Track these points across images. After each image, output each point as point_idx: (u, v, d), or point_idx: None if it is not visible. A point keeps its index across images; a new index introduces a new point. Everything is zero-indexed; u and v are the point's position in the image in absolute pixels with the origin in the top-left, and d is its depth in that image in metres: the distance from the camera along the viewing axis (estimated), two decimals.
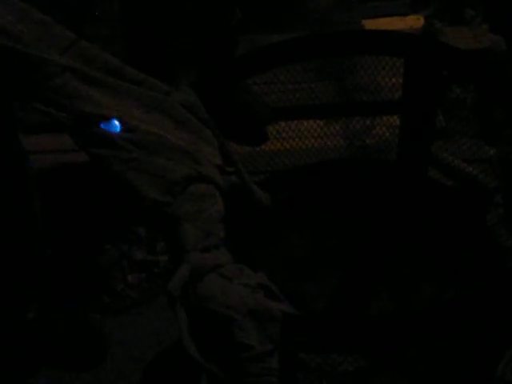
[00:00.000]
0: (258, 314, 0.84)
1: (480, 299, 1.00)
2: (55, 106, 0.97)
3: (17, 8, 1.01)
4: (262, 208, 1.19)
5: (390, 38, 1.28)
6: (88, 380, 1.38)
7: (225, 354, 0.85)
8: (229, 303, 0.83)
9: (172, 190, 0.97)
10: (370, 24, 2.16)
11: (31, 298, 1.35)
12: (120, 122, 1.01)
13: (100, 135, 0.97)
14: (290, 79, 1.56)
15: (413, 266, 1.38)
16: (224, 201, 1.04)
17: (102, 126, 0.99)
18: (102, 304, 1.52)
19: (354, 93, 1.70)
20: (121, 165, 0.97)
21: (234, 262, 0.95)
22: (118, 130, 1.00)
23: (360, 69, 1.50)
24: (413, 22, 2.12)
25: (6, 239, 1.25)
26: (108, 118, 1.00)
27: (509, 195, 1.39)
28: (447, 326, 0.97)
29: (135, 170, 0.98)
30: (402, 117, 1.41)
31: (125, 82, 1.03)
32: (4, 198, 1.22)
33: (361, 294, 1.36)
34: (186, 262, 0.88)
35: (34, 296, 1.35)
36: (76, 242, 1.59)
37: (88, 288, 1.54)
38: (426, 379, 1.13)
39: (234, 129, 1.46)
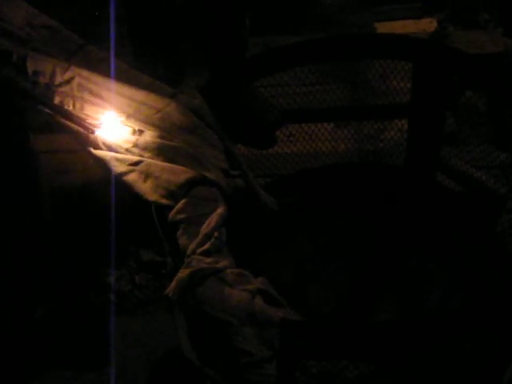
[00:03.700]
0: (257, 320, 0.83)
1: (488, 306, 0.99)
2: (60, 110, 0.97)
3: (26, 12, 1.02)
4: (268, 211, 1.19)
5: (399, 43, 1.27)
6: (93, 379, 1.39)
7: (223, 359, 0.85)
8: (227, 308, 0.83)
9: (175, 193, 0.97)
10: (382, 27, 2.15)
11: (38, 298, 1.36)
12: (124, 124, 1.01)
13: (103, 138, 0.98)
14: (299, 82, 1.55)
15: (420, 272, 1.37)
16: (228, 204, 1.03)
17: (105, 129, 1.00)
18: (109, 304, 1.53)
19: (364, 96, 1.69)
20: (124, 167, 0.98)
21: (236, 266, 0.95)
22: (122, 133, 1.01)
23: (370, 72, 1.49)
24: (426, 25, 2.10)
25: (15, 237, 1.26)
26: (112, 122, 1.01)
27: None
28: (452, 333, 0.96)
29: (138, 172, 0.98)
30: (409, 121, 1.40)
31: (130, 85, 1.04)
32: (15, 198, 1.23)
33: (367, 300, 1.35)
34: (185, 265, 0.88)
35: (41, 296, 1.36)
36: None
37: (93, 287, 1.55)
38: None
39: (243, 131, 1.46)
